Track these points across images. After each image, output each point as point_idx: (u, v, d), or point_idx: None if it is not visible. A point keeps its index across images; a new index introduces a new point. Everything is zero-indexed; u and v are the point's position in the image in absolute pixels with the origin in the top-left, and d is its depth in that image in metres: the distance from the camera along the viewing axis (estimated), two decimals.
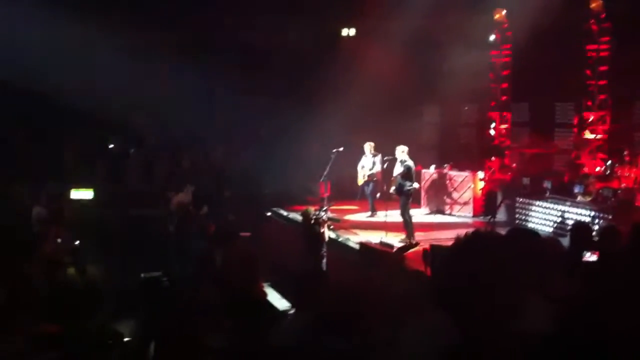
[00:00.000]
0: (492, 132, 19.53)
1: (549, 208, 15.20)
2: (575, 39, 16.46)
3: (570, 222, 12.58)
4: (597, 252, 6.21)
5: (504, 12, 18.45)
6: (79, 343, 5.17)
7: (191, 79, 19.12)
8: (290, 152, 19.58)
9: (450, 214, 17.77)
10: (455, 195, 17.77)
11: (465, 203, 17.54)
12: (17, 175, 15.42)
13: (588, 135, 16.64)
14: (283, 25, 21.03)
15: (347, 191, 18.56)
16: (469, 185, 17.48)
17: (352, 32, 22.62)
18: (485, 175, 18.11)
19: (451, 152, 20.26)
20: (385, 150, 15.91)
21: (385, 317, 3.81)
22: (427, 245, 11.70)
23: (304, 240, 12.93)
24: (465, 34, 18.15)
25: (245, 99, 19.79)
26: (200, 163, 20.78)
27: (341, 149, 16.71)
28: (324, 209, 13.71)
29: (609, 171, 15.07)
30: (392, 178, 14.60)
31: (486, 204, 17.37)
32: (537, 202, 15.58)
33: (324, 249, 12.61)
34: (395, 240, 13.94)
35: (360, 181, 17.26)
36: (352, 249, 14.10)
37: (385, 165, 15.88)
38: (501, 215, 16.25)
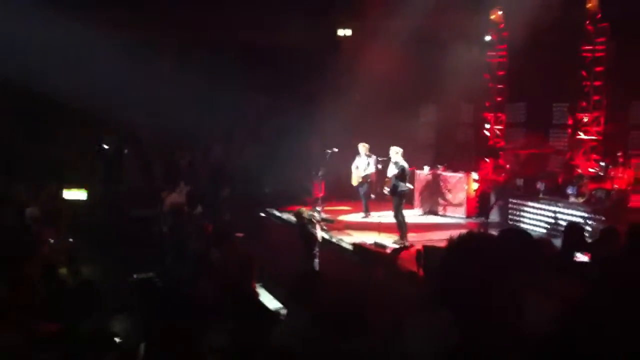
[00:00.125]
0: (487, 132, 19.56)
1: (542, 209, 15.23)
2: (571, 39, 16.50)
3: (563, 223, 12.61)
4: (588, 254, 6.23)
5: (500, 12, 18.48)
6: (73, 343, 5.17)
7: (189, 78, 19.10)
8: (289, 151, 19.56)
9: (443, 215, 17.76)
10: (448, 196, 17.77)
11: (459, 204, 17.54)
12: (13, 175, 15.39)
13: (582, 136, 16.67)
14: (282, 25, 21.00)
15: (343, 192, 18.56)
16: (462, 186, 17.48)
17: (347, 32, 22.63)
18: (479, 176, 18.12)
19: (448, 151, 20.27)
20: (382, 149, 15.90)
21: (382, 318, 3.82)
22: (420, 246, 11.70)
23: (298, 241, 12.92)
24: (461, 34, 18.19)
25: (244, 98, 19.78)
26: (198, 162, 20.76)
27: (336, 149, 16.71)
28: (317, 209, 13.72)
29: (602, 172, 15.11)
30: (387, 179, 14.60)
31: (480, 205, 17.39)
32: (530, 203, 15.61)
33: (317, 249, 12.61)
34: (389, 241, 13.94)
35: (355, 182, 17.25)
36: (345, 249, 14.09)
37: (379, 166, 15.89)
38: (494, 216, 16.29)
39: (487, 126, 19.56)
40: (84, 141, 20.40)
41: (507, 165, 18.64)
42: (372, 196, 16.96)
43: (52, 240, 9.68)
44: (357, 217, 17.47)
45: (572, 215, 14.22)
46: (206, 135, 21.17)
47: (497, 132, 19.54)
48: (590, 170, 15.80)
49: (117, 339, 5.45)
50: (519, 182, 16.57)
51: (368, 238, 14.34)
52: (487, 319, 2.87)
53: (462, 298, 2.89)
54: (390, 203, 14.53)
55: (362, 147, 17.05)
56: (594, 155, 16.24)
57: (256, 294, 7.01)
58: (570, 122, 17.48)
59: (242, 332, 5.28)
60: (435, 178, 18.05)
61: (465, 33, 18.22)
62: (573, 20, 16.31)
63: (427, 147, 21.67)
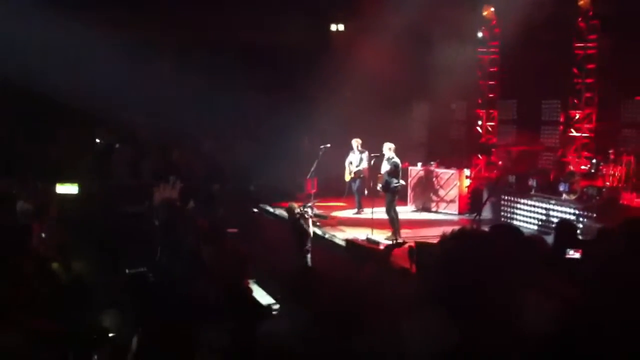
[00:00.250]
0: (479, 129, 19.60)
1: (534, 206, 15.28)
2: (563, 36, 16.54)
3: (555, 220, 12.65)
4: (580, 250, 6.23)
5: (493, 9, 18.50)
6: (66, 338, 5.16)
7: (187, 77, 19.08)
8: (281, 147, 19.55)
9: (436, 212, 17.80)
10: (441, 192, 17.81)
11: (451, 201, 17.57)
12: (11, 174, 15.33)
13: (574, 133, 16.72)
14: (274, 22, 20.98)
15: (334, 188, 18.58)
16: (455, 182, 17.52)
17: (341, 27, 22.64)
18: (471, 172, 18.16)
19: (440, 148, 20.31)
20: (374, 146, 15.93)
21: (379, 316, 3.81)
22: (412, 243, 11.71)
23: (290, 236, 12.94)
24: (454, 31, 18.18)
25: (236, 95, 19.74)
26: (190, 157, 20.71)
27: (328, 145, 16.71)
28: (308, 205, 13.71)
29: (594, 169, 15.16)
30: (379, 175, 14.62)
31: (472, 202, 17.42)
32: (523, 200, 15.66)
33: (309, 244, 12.62)
34: (382, 237, 13.97)
35: (348, 177, 17.28)
36: (338, 245, 14.11)
37: (372, 162, 15.90)
38: (487, 213, 16.32)
39: (480, 123, 19.59)
40: (82, 140, 20.38)
41: (499, 162, 18.69)
42: (365, 192, 16.99)
43: (43, 235, 9.63)
44: (350, 213, 17.49)
45: (563, 212, 14.28)
46: (201, 132, 21.15)
47: (489, 129, 19.58)
48: (582, 167, 15.86)
49: (110, 334, 5.44)
50: (511, 179, 16.61)
51: (361, 234, 14.36)
52: (483, 318, 2.87)
53: (457, 295, 2.89)
54: (383, 199, 14.55)
55: (355, 143, 17.08)
56: (586, 153, 16.30)
57: (250, 291, 7.00)
58: (562, 119, 17.54)
59: (235, 329, 5.27)
60: (428, 174, 18.07)
61: (458, 30, 18.22)
62: (565, 17, 16.36)
63: (419, 145, 21.71)
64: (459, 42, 18.40)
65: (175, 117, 19.50)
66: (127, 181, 19.28)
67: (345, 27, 22.59)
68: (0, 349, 4.50)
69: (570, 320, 3.27)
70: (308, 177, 16.96)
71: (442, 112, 21.56)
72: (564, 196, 14.74)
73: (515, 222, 15.02)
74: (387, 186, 14.29)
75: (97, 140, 20.94)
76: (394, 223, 14.21)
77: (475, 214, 16.30)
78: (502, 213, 16.16)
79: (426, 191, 18.13)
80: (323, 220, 16.15)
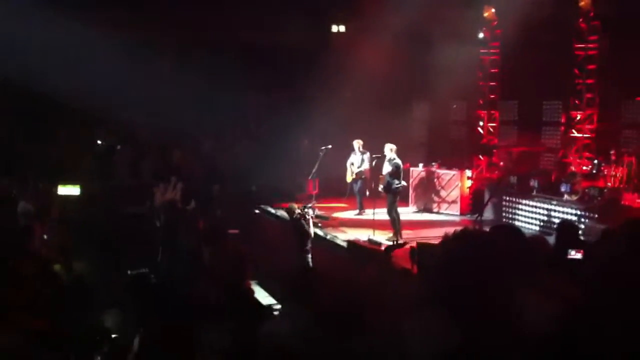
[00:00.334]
0: (480, 130, 19.59)
1: (535, 207, 15.27)
2: (564, 37, 16.53)
3: (557, 221, 12.64)
4: (581, 251, 6.23)
5: (494, 9, 18.49)
6: (67, 339, 5.16)
7: (181, 75, 19.08)
8: (281, 147, 19.56)
9: (437, 212, 17.79)
10: (442, 193, 17.80)
11: (453, 201, 17.57)
12: (12, 174, 15.34)
13: (575, 134, 16.72)
14: (274, 22, 20.99)
15: (335, 189, 18.58)
16: (456, 183, 17.51)
17: (342, 28, 22.65)
18: (473, 173, 18.16)
19: (440, 149, 20.30)
20: (375, 147, 15.94)
21: (380, 316, 3.81)
22: (414, 243, 11.71)
23: (290, 236, 12.95)
24: (454, 32, 18.16)
25: (236, 95, 19.76)
26: (190, 158, 20.72)
27: (330, 146, 16.74)
28: (309, 205, 13.73)
29: (595, 170, 15.16)
30: (381, 176, 14.62)
31: (473, 203, 17.42)
32: (524, 201, 15.65)
33: (309, 245, 12.63)
34: (383, 238, 13.96)
35: (349, 178, 17.28)
36: (339, 246, 14.11)
37: (373, 163, 15.91)
38: (488, 214, 16.31)
39: (481, 124, 19.58)
40: (83, 140, 20.40)
41: (501, 163, 18.67)
42: (367, 193, 16.99)
43: (45, 236, 9.64)
44: (352, 214, 17.49)
45: (565, 212, 14.27)
46: (201, 133, 21.16)
47: (491, 129, 19.57)
48: (583, 168, 15.85)
49: (112, 335, 5.44)
50: (513, 179, 16.60)
51: (362, 235, 14.35)
52: (484, 318, 2.86)
53: (458, 296, 2.89)
54: (385, 200, 14.55)
55: (357, 144, 17.08)
56: (587, 153, 16.29)
57: (251, 291, 7.00)
58: (563, 120, 17.53)
59: (236, 330, 5.27)
60: (430, 175, 18.06)
61: (459, 31, 18.20)
62: (566, 18, 16.34)
63: (419, 145, 21.71)
64: (460, 43, 18.37)
65: (175, 117, 19.51)
66: (128, 182, 19.31)
67: (345, 27, 22.58)
68: (1, 350, 4.50)
69: (571, 321, 3.27)
70: (309, 177, 16.97)
71: (442, 112, 21.55)
72: (566, 197, 14.73)
73: (516, 223, 15.01)
74: (388, 187, 14.29)
75: (99, 142, 20.94)
76: (395, 224, 14.22)
77: (476, 215, 16.30)
78: (504, 214, 16.15)
79: (428, 192, 18.12)
80: (324, 221, 16.15)
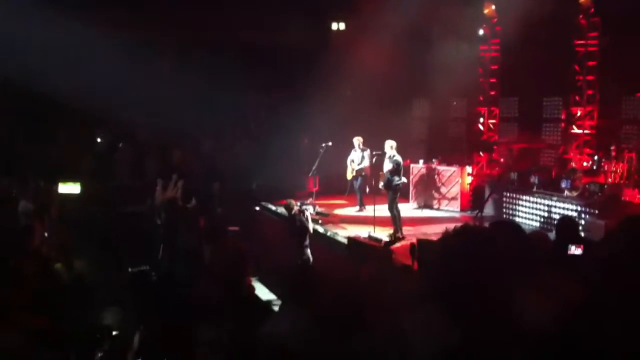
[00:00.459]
0: (481, 127, 19.59)
1: (536, 203, 15.26)
2: (564, 33, 16.52)
3: (557, 217, 12.64)
4: (581, 246, 6.23)
5: (494, 6, 18.49)
6: (68, 337, 5.16)
7: (181, 75, 19.09)
8: (281, 147, 19.57)
9: (438, 209, 17.79)
10: (443, 190, 17.80)
11: (453, 198, 17.58)
12: (12, 174, 15.35)
13: (575, 130, 16.72)
14: (274, 21, 20.98)
15: (335, 186, 18.59)
16: (456, 180, 17.52)
17: (342, 26, 22.64)
18: (473, 170, 18.16)
19: (440, 146, 20.29)
20: (374, 144, 15.94)
21: (380, 314, 3.80)
22: (414, 240, 11.72)
23: (287, 232, 12.97)
24: (454, 29, 18.15)
25: (236, 95, 19.75)
26: (190, 158, 20.72)
27: (330, 143, 16.75)
28: (306, 202, 13.76)
29: (595, 166, 15.16)
30: (381, 173, 14.62)
31: (474, 199, 17.43)
32: (525, 197, 15.64)
33: (308, 240, 12.64)
34: (384, 234, 13.96)
35: (349, 175, 17.29)
36: (340, 243, 14.11)
37: (374, 160, 15.91)
38: (489, 210, 16.30)
39: (481, 120, 19.58)
40: (83, 139, 20.41)
41: (501, 160, 18.68)
42: (367, 190, 17.00)
43: (46, 234, 9.66)
44: (352, 211, 17.49)
45: (565, 208, 14.27)
46: (201, 132, 21.18)
47: (491, 126, 19.57)
48: (584, 164, 15.85)
49: (113, 332, 5.45)
50: (513, 176, 16.59)
51: (363, 232, 14.35)
52: (484, 315, 2.86)
53: (458, 292, 2.89)
54: (385, 197, 14.56)
55: (357, 141, 17.09)
56: (587, 149, 16.30)
57: (252, 288, 7.00)
58: (563, 116, 17.53)
59: (236, 328, 5.27)
60: (430, 172, 18.07)
61: (458, 28, 18.19)
62: (566, 14, 16.33)
63: (420, 142, 21.70)
64: (460, 40, 18.37)
65: (175, 117, 19.51)
66: (128, 180, 19.32)
67: (345, 25, 22.57)
68: (2, 349, 4.51)
69: (571, 319, 3.27)
70: (310, 175, 16.98)
71: (442, 109, 21.54)
72: (566, 193, 14.73)
73: (517, 219, 15.01)
74: (389, 184, 14.29)
75: (99, 140, 20.95)
76: (396, 221, 14.22)
77: (477, 211, 16.30)
78: (504, 210, 16.15)
79: (428, 189, 18.13)
80: (325, 218, 16.16)
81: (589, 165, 15.60)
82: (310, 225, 12.86)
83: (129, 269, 9.24)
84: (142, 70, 17.76)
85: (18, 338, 4.64)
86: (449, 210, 17.51)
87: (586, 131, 16.50)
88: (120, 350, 5.19)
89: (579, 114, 16.62)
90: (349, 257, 13.12)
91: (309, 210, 13.20)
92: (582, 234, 11.53)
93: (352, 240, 13.73)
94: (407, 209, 17.25)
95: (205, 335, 4.71)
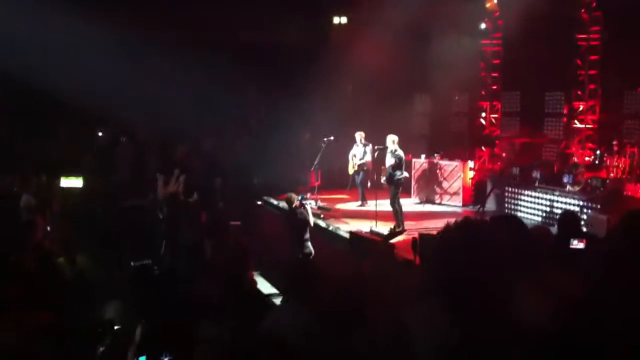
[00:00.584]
0: (483, 121, 19.57)
1: (538, 198, 15.24)
2: (566, 28, 16.48)
3: (559, 212, 12.63)
4: (584, 241, 6.23)
5: (495, 0, 18.45)
6: (70, 331, 5.17)
7: (182, 73, 19.09)
8: (282, 142, 19.56)
9: (440, 204, 17.80)
10: (445, 184, 17.80)
11: (455, 193, 17.57)
12: (6, 163, 15.37)
13: (577, 124, 16.70)
14: (274, 16, 20.96)
15: (337, 181, 18.60)
16: (458, 174, 17.51)
17: (343, 20, 22.61)
18: (475, 164, 18.15)
19: (442, 141, 20.28)
20: (376, 139, 15.94)
21: (381, 310, 3.80)
22: (416, 234, 11.72)
23: (288, 225, 12.98)
24: (456, 23, 18.12)
25: (237, 91, 19.73)
26: (193, 155, 20.71)
27: (332, 137, 16.75)
28: (307, 196, 13.76)
29: (598, 161, 15.14)
30: (383, 167, 14.62)
31: (476, 194, 17.42)
32: (527, 192, 15.63)
33: (308, 234, 12.66)
34: (386, 229, 13.97)
35: (351, 170, 17.30)
36: (342, 237, 14.12)
37: (375, 155, 15.91)
38: (490, 205, 16.30)
39: (483, 115, 19.55)
40: (84, 136, 20.42)
41: (503, 154, 18.66)
42: (368, 184, 17.01)
43: (48, 229, 9.67)
44: (354, 205, 17.50)
45: (567, 203, 14.25)
46: (202, 131, 21.17)
47: (493, 121, 19.55)
48: (586, 158, 15.84)
49: (115, 327, 5.45)
50: (515, 170, 16.57)
51: (365, 226, 14.36)
52: (484, 310, 2.85)
53: (458, 286, 2.88)
54: (387, 192, 14.56)
55: (359, 136, 17.10)
56: (589, 144, 16.28)
57: (254, 283, 7.01)
58: (565, 110, 17.51)
59: (236, 323, 5.28)
60: (432, 167, 18.07)
61: (460, 22, 18.16)
62: (568, 8, 16.30)
63: (421, 137, 21.68)
64: (461, 34, 18.34)
65: (176, 116, 19.51)
66: (130, 175, 19.33)
67: (347, 20, 22.54)
68: (4, 343, 4.51)
69: (571, 314, 3.26)
70: (312, 169, 16.99)
71: (444, 104, 21.53)
72: (568, 188, 14.71)
73: (519, 214, 14.97)
74: (390, 179, 14.28)
75: (100, 134, 20.95)
76: (397, 215, 14.22)
77: (479, 206, 16.30)
78: (506, 205, 16.14)
79: (430, 183, 18.13)
80: (327, 212, 16.17)
81: (591, 160, 15.59)
82: (311, 219, 12.87)
83: (131, 263, 9.25)
84: (142, 68, 17.78)
85: (19, 332, 4.65)
86: (450, 205, 17.52)
87: (588, 126, 16.48)
88: (121, 344, 5.19)
89: (581, 108, 16.60)
90: (351, 251, 13.13)
91: (310, 204, 13.20)
92: (584, 229, 11.55)
93: (354, 234, 13.74)
94: (409, 204, 17.27)
95: (206, 330, 4.71)
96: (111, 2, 19.12)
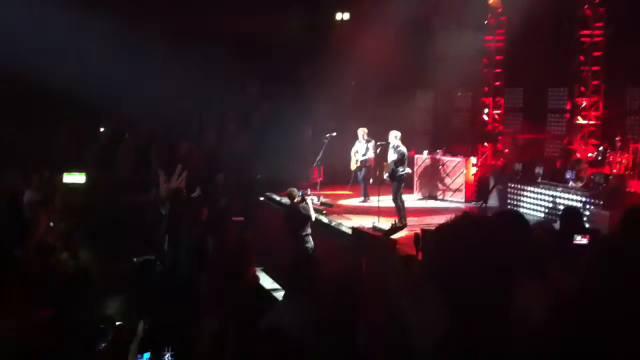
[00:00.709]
0: (486, 117, 19.54)
1: (540, 194, 15.24)
2: (569, 24, 16.46)
3: (562, 208, 12.62)
4: (587, 236, 6.22)
5: None
6: (72, 327, 5.18)
7: (183, 68, 19.07)
8: (284, 138, 19.55)
9: (442, 200, 17.79)
10: (447, 180, 17.79)
11: (458, 189, 17.56)
12: (8, 160, 15.38)
13: (580, 120, 16.68)
14: (276, 10, 20.92)
15: (339, 177, 18.59)
16: (461, 170, 17.50)
17: (346, 16, 22.59)
18: (477, 160, 18.14)
19: (444, 137, 20.27)
20: (378, 135, 15.93)
21: (381, 303, 3.81)
22: (418, 230, 11.72)
23: (289, 220, 12.99)
24: (459, 19, 18.10)
25: (239, 86, 19.72)
26: (195, 150, 20.71)
27: (334, 133, 16.73)
28: (307, 192, 13.78)
29: (600, 157, 15.13)
30: (385, 163, 14.62)
31: (478, 190, 17.40)
32: (529, 188, 15.62)
33: (309, 229, 12.66)
34: (388, 225, 13.96)
35: (354, 166, 17.28)
36: (344, 233, 14.12)
37: (378, 151, 15.90)
38: (493, 201, 16.28)
39: (486, 111, 19.53)
40: (87, 131, 20.41)
41: (506, 150, 18.65)
42: (370, 180, 17.01)
43: (51, 224, 9.68)
44: (356, 201, 17.49)
45: (570, 199, 14.24)
46: (204, 126, 21.17)
47: (496, 117, 19.53)
48: (589, 155, 15.82)
49: (117, 322, 5.46)
50: (518, 166, 16.56)
51: (367, 222, 14.36)
52: (482, 304, 2.85)
53: (454, 279, 2.88)
54: (390, 187, 14.56)
55: (361, 132, 17.07)
56: (592, 140, 16.26)
57: (256, 279, 7.02)
58: (568, 106, 17.49)
59: (240, 319, 5.29)
60: (434, 163, 18.06)
61: (463, 18, 18.13)
62: (571, 4, 16.28)
63: (424, 133, 21.66)
64: (464, 30, 18.30)
65: (177, 111, 19.51)
66: (133, 171, 19.32)
67: (350, 15, 22.51)
68: (7, 338, 4.53)
69: (569, 310, 3.26)
70: (314, 164, 16.98)
71: (446, 100, 21.51)
72: (571, 184, 14.70)
73: (521, 210, 14.97)
74: (393, 174, 14.28)
75: (102, 129, 20.94)
76: (400, 211, 14.23)
77: (481, 202, 16.28)
78: (509, 201, 16.13)
79: (432, 179, 18.12)
80: (329, 208, 16.16)
81: (593, 156, 15.57)
82: (313, 214, 12.87)
83: (134, 259, 9.27)
84: (142, 62, 17.77)
85: (22, 329, 4.66)
86: (453, 201, 17.51)
87: (591, 122, 16.46)
88: (124, 340, 5.21)
89: (584, 104, 16.57)
90: (353, 247, 13.13)
91: (312, 199, 13.20)
92: (587, 225, 11.54)
93: (356, 230, 13.74)
94: (412, 200, 17.25)
95: (208, 325, 4.73)
96: None
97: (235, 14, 20.66)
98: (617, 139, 14.81)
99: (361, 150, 17.00)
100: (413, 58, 19.00)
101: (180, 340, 4.60)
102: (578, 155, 16.03)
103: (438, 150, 18.30)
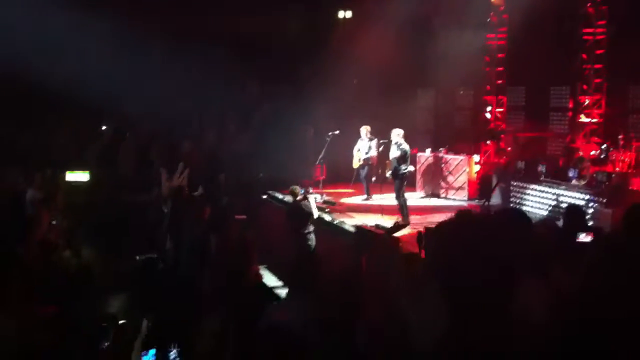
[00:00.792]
0: (488, 115, 19.52)
1: (543, 192, 15.21)
2: (571, 22, 16.43)
3: (564, 206, 12.60)
4: (591, 234, 6.22)
5: None
6: (75, 325, 5.18)
7: (183, 68, 19.08)
8: (286, 137, 19.55)
9: (445, 198, 17.79)
10: (450, 178, 17.79)
11: (461, 187, 17.56)
12: (10, 159, 15.39)
13: (583, 119, 16.66)
14: (276, 10, 20.92)
15: (342, 175, 18.58)
16: (464, 169, 17.49)
17: (348, 14, 22.58)
18: (480, 158, 18.13)
19: (446, 135, 20.26)
20: (380, 134, 15.92)
21: (382, 301, 3.81)
22: (422, 228, 11.72)
23: (291, 218, 12.99)
24: (461, 17, 18.08)
25: (240, 86, 19.71)
26: (197, 150, 20.71)
27: (337, 132, 16.74)
28: (309, 190, 13.78)
29: (603, 155, 15.10)
30: (388, 161, 14.62)
31: (481, 188, 17.39)
32: (532, 186, 15.59)
33: (312, 227, 12.65)
34: (391, 223, 13.97)
35: (356, 164, 17.28)
36: (347, 231, 14.12)
37: (380, 149, 15.90)
38: (496, 199, 16.27)
39: (489, 109, 19.51)
40: (87, 131, 20.42)
41: (508, 148, 18.63)
42: (373, 178, 17.01)
43: (54, 222, 9.68)
44: (359, 199, 17.49)
45: (573, 197, 14.21)
46: (205, 125, 21.17)
47: (498, 115, 19.51)
48: (591, 153, 15.80)
49: (120, 321, 5.47)
50: (520, 165, 16.55)
51: (370, 220, 14.36)
52: (481, 301, 2.85)
53: (455, 277, 2.88)
54: (392, 185, 14.56)
55: (364, 130, 17.07)
56: (595, 138, 16.24)
57: (259, 277, 7.02)
58: (570, 104, 17.47)
59: (238, 316, 5.28)
60: (437, 161, 18.06)
61: (465, 16, 18.12)
62: (574, 2, 16.26)
63: (426, 132, 21.65)
64: (466, 29, 18.29)
65: (178, 110, 19.51)
66: (135, 169, 19.33)
67: (352, 13, 22.51)
68: (9, 337, 4.53)
69: (570, 308, 3.26)
70: (317, 163, 16.98)
71: (448, 98, 21.50)
72: (574, 182, 14.68)
73: (524, 208, 14.95)
74: (396, 172, 14.29)
75: (103, 128, 20.96)
76: (403, 209, 14.23)
77: (484, 200, 16.27)
78: (512, 199, 16.11)
79: (435, 177, 18.12)
80: (332, 206, 16.16)
81: (596, 154, 15.54)
82: (315, 211, 12.87)
83: (137, 257, 9.28)
84: (142, 63, 17.78)
85: (24, 327, 4.66)
86: (456, 199, 17.50)
87: (594, 120, 16.44)
88: (127, 338, 5.21)
89: (586, 102, 16.55)
90: (356, 245, 13.13)
91: (315, 197, 13.22)
92: (590, 223, 11.53)
93: (359, 228, 13.74)
94: (414, 198, 17.25)
95: (210, 324, 4.73)
96: None
97: (235, 14, 20.65)
98: (620, 137, 14.79)
99: (364, 148, 17.00)
100: (415, 56, 18.99)
101: (184, 338, 4.60)
102: (581, 153, 16.00)
103: (441, 149, 18.30)
